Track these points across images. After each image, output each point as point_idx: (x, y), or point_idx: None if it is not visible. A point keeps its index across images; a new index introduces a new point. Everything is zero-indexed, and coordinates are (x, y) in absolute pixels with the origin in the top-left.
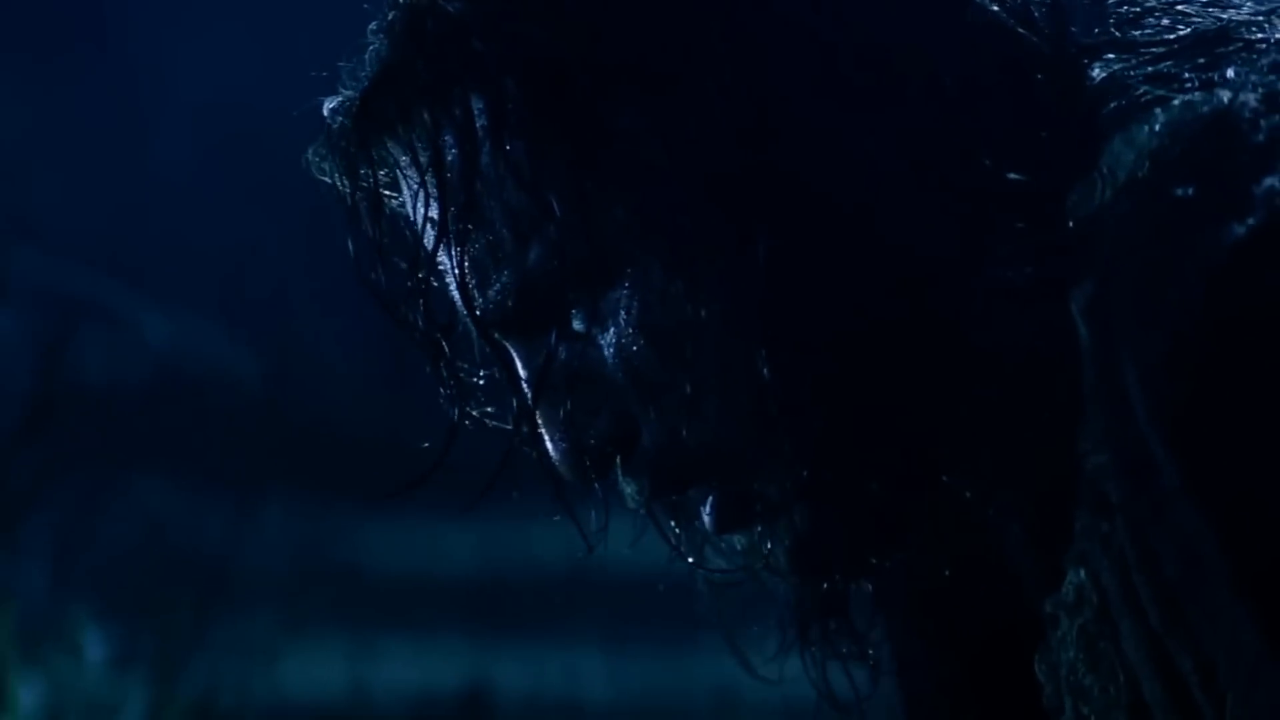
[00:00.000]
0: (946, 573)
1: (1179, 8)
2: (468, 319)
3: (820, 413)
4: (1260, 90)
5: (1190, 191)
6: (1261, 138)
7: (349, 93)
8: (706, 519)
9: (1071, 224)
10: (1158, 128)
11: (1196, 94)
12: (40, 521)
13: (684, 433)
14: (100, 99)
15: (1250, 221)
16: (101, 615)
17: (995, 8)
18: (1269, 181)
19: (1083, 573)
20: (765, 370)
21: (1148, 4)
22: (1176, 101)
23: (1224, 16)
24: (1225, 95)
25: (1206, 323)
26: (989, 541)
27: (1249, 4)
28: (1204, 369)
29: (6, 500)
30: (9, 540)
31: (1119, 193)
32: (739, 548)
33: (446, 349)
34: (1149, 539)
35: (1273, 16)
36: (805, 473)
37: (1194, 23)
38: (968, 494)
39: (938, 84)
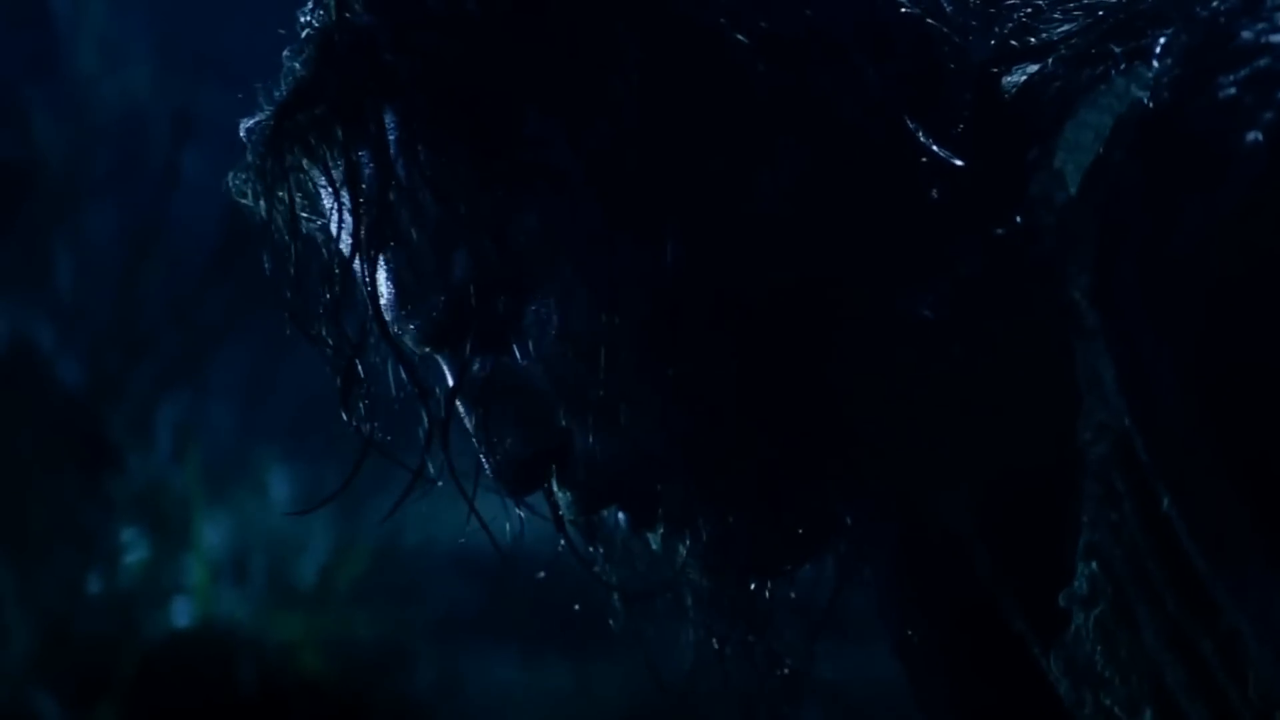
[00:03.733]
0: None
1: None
2: (392, 336)
3: (724, 419)
4: (1206, 50)
5: (1171, 159)
6: (1229, 93)
7: (265, 113)
8: (621, 517)
9: (1032, 213)
10: (1110, 104)
11: (1138, 66)
12: (227, 362)
13: (602, 441)
14: None
15: (1245, 172)
16: (287, 455)
17: (906, 5)
18: (1250, 135)
19: (1095, 564)
20: (670, 377)
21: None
22: (1118, 78)
23: None
24: (1169, 62)
25: (1225, 285)
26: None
27: None
28: (1233, 336)
29: (194, 340)
30: (196, 380)
31: (1088, 176)
32: (654, 548)
33: (360, 369)
34: (1169, 519)
35: None
36: (706, 480)
37: (1094, 2)
38: (879, 499)
39: (854, 79)
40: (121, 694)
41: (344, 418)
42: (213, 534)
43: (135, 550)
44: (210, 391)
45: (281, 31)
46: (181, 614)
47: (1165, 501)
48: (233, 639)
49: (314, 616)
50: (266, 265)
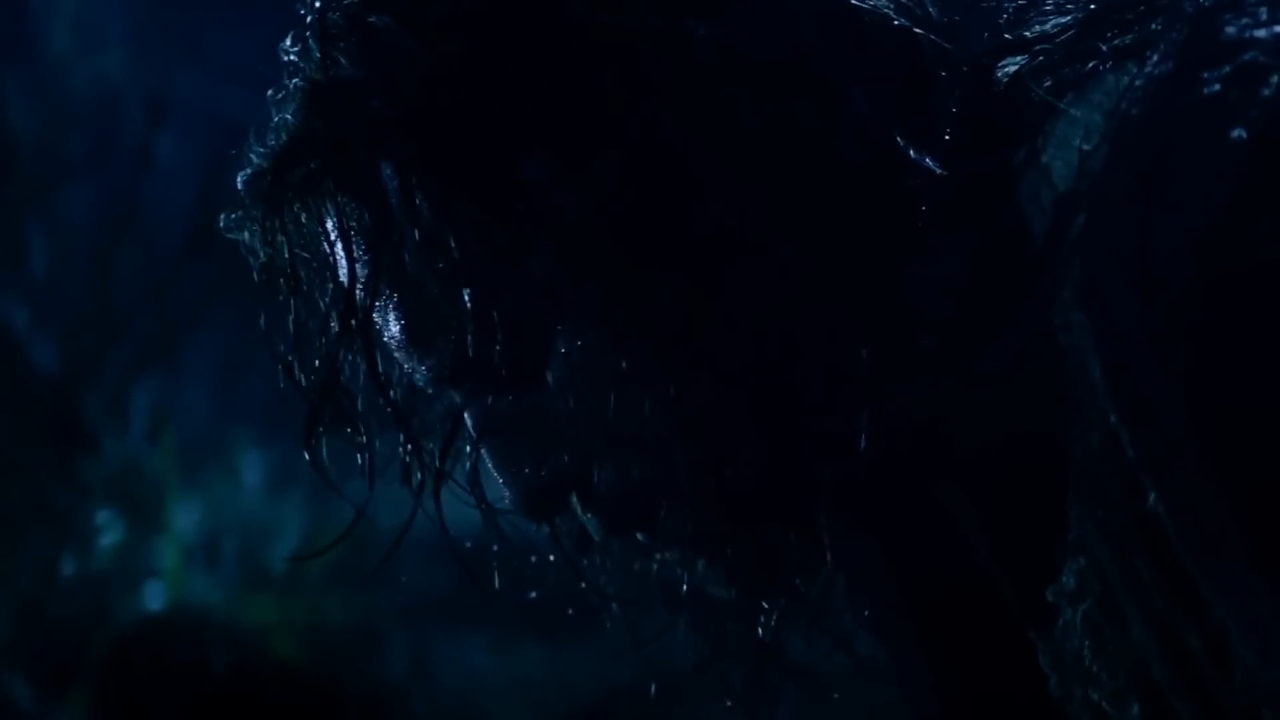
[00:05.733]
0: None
1: None
2: (407, 378)
3: (720, 456)
4: (1192, 45)
5: (1158, 156)
6: (1214, 89)
7: (260, 162)
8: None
9: (1020, 211)
10: (1100, 101)
11: (1127, 62)
12: (201, 345)
13: (619, 468)
14: None
15: (1232, 169)
16: (260, 439)
17: (893, 15)
18: (1236, 131)
19: (1083, 560)
20: (675, 414)
21: None
22: (1107, 75)
23: None
24: (1156, 58)
25: (1214, 282)
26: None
27: None
28: (1222, 333)
29: (168, 324)
30: (170, 364)
31: (1077, 174)
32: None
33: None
34: (1156, 516)
35: None
36: (708, 511)
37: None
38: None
39: (844, 104)
40: (94, 677)
41: (305, 456)
42: (186, 517)
43: (109, 533)
44: (185, 375)
45: (254, 15)
46: (154, 597)
47: (1151, 497)
48: (205, 623)
49: (286, 601)
50: (261, 318)
